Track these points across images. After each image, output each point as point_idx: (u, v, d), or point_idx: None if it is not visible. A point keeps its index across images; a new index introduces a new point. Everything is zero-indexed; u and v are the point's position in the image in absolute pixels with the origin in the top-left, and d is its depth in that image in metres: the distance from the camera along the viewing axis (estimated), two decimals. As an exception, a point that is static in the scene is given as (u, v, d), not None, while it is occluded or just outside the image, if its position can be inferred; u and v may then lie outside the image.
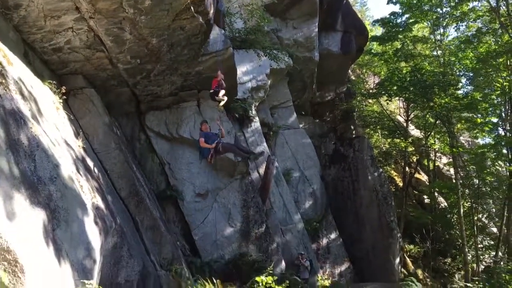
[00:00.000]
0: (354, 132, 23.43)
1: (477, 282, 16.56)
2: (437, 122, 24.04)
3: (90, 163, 9.73)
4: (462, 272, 25.63)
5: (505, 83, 18.87)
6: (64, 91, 9.32)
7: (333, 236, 17.83)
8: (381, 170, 20.34)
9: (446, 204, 28.61)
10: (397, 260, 18.71)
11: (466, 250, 22.50)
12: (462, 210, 22.41)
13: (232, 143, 13.32)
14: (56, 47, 9.92)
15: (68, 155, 8.19)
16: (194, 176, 13.21)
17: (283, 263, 13.85)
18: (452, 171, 31.35)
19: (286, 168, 17.05)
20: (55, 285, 5.92)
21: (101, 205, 8.69)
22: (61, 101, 9.33)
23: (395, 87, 21.83)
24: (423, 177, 31.85)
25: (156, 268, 10.39)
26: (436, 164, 29.51)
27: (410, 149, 26.44)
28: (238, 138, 14.37)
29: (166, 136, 13.23)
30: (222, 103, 11.92)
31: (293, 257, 14.93)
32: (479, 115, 21.07)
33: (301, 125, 19.00)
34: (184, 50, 11.16)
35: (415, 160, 30.09)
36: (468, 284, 18.90)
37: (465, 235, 22.26)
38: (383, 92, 22.11)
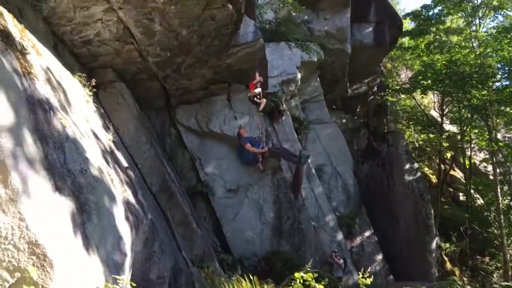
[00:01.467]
0: (386, 127, 22.75)
1: (521, 282, 15.78)
2: (473, 116, 23.17)
3: (121, 157, 9.57)
4: (501, 271, 24.79)
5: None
6: (94, 83, 9.14)
7: (367, 233, 17.31)
8: (416, 165, 19.67)
9: (482, 201, 27.68)
10: (434, 258, 18.04)
11: (506, 249, 21.60)
12: (501, 207, 21.52)
13: (280, 146, 13.23)
14: (85, 40, 9.79)
15: (98, 148, 8.01)
16: (224, 171, 12.95)
17: (317, 260, 13.46)
18: (489, 168, 30.40)
19: (318, 164, 16.61)
20: (85, 280, 5.70)
21: (132, 199, 8.49)
22: (91, 94, 9.18)
23: (429, 81, 21.04)
24: (458, 174, 30.92)
25: (188, 264, 10.15)
26: (472, 160, 28.50)
27: (445, 144, 25.57)
28: (270, 134, 14.02)
29: (196, 131, 13.02)
30: (262, 105, 11.82)
31: (326, 254, 14.51)
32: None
33: (332, 120, 18.51)
34: (214, 41, 10.89)
35: (449, 156, 29.18)
36: (510, 284, 18.11)
37: (504, 233, 21.36)
38: (418, 86, 21.31)
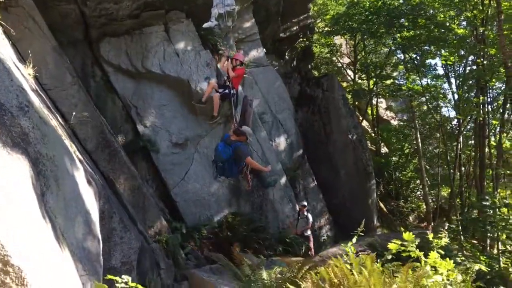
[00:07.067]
0: (312, 72, 21.24)
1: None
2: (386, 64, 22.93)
3: (46, 101, 6.70)
4: (416, 213, 25.57)
5: (473, 12, 17.60)
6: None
7: (311, 185, 15.90)
8: (352, 110, 18.59)
9: (386, 148, 28.08)
10: (374, 205, 17.40)
11: (427, 190, 21.93)
12: (420, 151, 21.61)
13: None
14: None
15: (26, 83, 5.17)
16: (168, 121, 10.41)
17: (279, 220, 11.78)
18: (391, 114, 31.10)
19: (258, 112, 14.57)
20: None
21: (81, 157, 5.85)
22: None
23: (355, 24, 19.81)
24: (363, 122, 31.10)
25: (148, 241, 7.74)
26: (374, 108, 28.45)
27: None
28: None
29: (128, 71, 10.16)
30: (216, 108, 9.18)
31: (278, 212, 12.76)
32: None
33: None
34: None
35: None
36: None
37: (425, 176, 21.58)
38: (344, 28, 19.96)
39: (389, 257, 4.61)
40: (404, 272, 3.54)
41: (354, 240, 5.05)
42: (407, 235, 3.98)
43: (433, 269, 3.86)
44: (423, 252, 3.89)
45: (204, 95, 9.57)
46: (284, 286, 4.27)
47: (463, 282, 4.06)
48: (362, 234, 5.07)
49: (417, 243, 4.50)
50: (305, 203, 12.46)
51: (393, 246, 4.03)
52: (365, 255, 3.94)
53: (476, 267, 4.59)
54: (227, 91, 9.19)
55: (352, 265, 3.88)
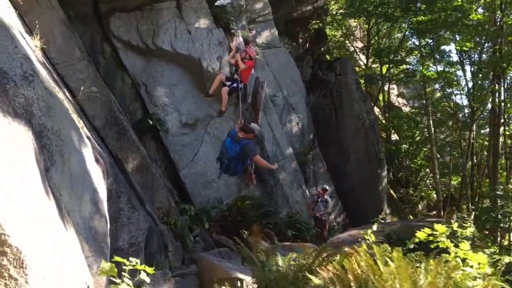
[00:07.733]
0: (326, 56, 20.86)
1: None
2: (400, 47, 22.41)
3: (54, 75, 6.45)
4: (425, 202, 25.28)
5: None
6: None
7: (321, 170, 15.68)
8: (366, 95, 18.22)
9: (397, 136, 27.71)
10: (385, 193, 17.13)
11: (438, 179, 21.53)
12: (433, 138, 21.25)
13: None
14: None
15: (32, 54, 4.90)
16: (178, 101, 10.15)
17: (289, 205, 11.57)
18: (402, 101, 30.61)
19: (269, 94, 14.28)
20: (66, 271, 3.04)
21: (88, 133, 5.62)
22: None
23: (370, 7, 19.37)
24: (374, 109, 30.65)
25: (156, 222, 7.54)
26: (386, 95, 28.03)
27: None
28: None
29: (139, 48, 9.88)
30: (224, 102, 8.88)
31: (288, 197, 12.56)
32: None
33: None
34: None
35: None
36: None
37: (436, 164, 21.19)
38: (359, 11, 19.51)
39: (411, 246, 4.38)
40: (434, 265, 3.26)
41: (374, 227, 4.83)
42: (439, 227, 3.70)
43: (461, 260, 3.62)
44: (452, 244, 3.64)
45: (211, 87, 9.21)
46: (300, 274, 4.03)
47: (492, 275, 3.77)
48: (382, 221, 4.86)
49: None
50: (327, 187, 12.40)
51: (421, 235, 3.77)
52: (385, 245, 3.68)
53: (506, 259, 4.33)
54: (235, 84, 8.86)
55: (375, 255, 3.63)
